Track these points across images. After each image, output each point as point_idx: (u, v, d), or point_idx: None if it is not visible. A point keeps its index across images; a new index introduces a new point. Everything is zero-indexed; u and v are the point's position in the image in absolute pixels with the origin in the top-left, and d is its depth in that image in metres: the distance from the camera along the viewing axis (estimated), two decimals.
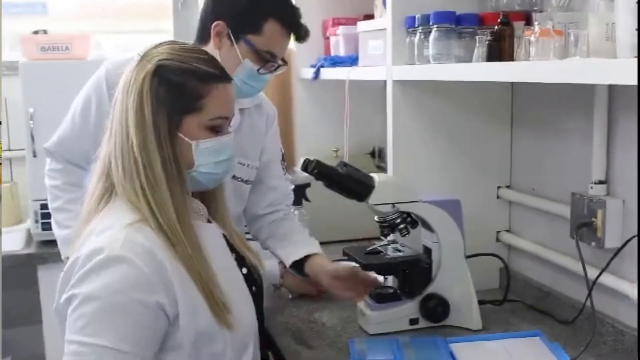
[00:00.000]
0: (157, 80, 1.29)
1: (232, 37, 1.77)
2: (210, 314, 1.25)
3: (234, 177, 1.93)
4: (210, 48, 1.81)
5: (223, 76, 1.35)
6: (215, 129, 1.34)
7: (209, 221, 1.42)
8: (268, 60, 1.78)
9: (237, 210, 1.99)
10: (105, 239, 1.23)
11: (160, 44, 1.35)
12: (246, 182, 1.98)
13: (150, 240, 1.23)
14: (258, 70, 1.78)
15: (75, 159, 1.96)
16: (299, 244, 1.93)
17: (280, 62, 1.82)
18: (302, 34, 1.84)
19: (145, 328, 1.20)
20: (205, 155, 1.33)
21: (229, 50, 1.78)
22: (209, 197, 1.44)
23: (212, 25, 1.78)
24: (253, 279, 1.50)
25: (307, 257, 1.87)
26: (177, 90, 1.29)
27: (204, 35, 1.82)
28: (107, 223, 1.27)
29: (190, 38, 1.83)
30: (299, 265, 1.88)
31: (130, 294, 1.19)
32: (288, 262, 1.90)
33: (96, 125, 1.89)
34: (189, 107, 1.30)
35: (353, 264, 1.84)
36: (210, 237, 1.37)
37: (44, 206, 2.59)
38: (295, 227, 2.02)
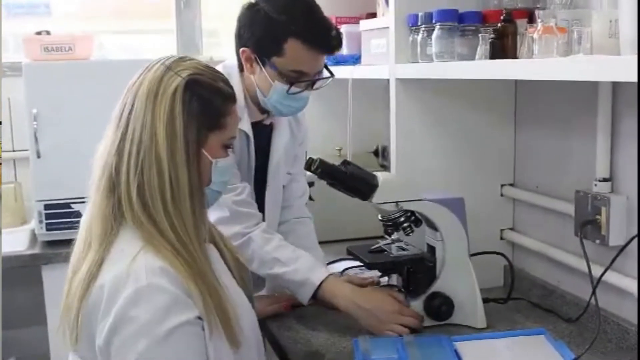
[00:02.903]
0: (189, 94, 1.27)
1: (259, 62, 1.78)
2: (223, 333, 1.23)
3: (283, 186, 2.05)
4: (246, 74, 1.84)
5: (235, 98, 1.37)
6: (228, 148, 1.35)
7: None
8: (296, 80, 1.77)
9: (278, 217, 2.07)
10: (124, 267, 1.19)
11: (182, 58, 1.34)
12: (284, 187, 2.07)
13: (168, 261, 1.20)
14: (287, 91, 1.78)
15: None
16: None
17: (315, 77, 1.81)
18: (330, 46, 1.79)
19: (200, 346, 1.20)
20: (219, 173, 1.33)
21: (260, 74, 1.80)
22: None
23: (240, 52, 1.81)
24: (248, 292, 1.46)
25: None
26: (207, 106, 1.29)
27: (239, 63, 1.86)
28: (119, 248, 1.24)
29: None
30: None
31: (175, 319, 1.17)
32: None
33: None
34: (215, 124, 1.31)
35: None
36: (214, 257, 1.35)
37: (48, 207, 2.61)
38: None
